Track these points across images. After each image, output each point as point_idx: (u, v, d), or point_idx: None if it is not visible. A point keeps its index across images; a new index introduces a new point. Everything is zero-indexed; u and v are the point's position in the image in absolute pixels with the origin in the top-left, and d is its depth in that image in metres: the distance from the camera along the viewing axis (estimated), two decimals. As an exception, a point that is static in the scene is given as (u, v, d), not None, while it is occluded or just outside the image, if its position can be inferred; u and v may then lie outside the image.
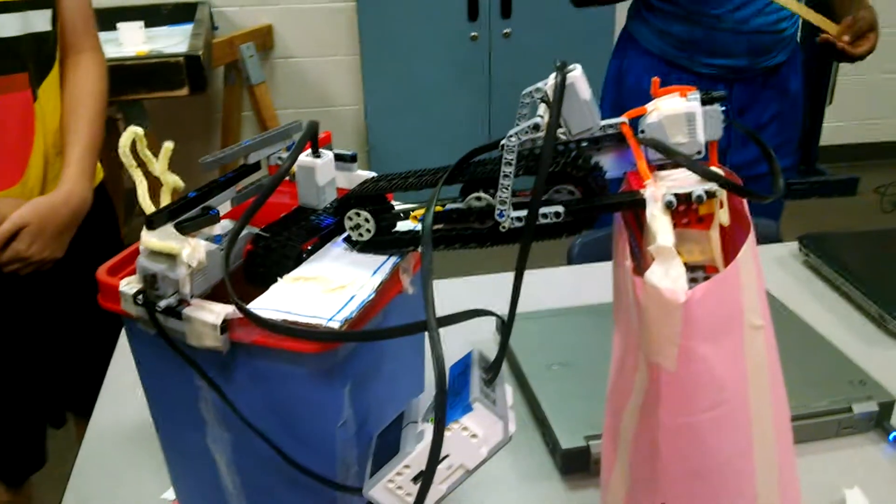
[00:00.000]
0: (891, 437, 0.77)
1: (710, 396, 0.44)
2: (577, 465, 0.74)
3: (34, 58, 1.12)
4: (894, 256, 1.08)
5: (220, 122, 2.98)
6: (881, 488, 0.71)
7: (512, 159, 0.48)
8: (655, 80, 0.54)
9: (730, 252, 0.49)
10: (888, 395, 0.79)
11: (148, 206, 0.52)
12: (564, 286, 1.09)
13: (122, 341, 0.99)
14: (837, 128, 3.67)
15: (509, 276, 0.48)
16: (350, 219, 0.59)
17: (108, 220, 1.32)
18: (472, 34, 3.05)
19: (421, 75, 3.10)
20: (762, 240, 0.48)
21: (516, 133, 0.48)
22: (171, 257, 0.52)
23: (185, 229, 0.53)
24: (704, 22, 1.45)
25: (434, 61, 3.08)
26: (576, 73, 0.48)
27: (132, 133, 0.53)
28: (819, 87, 3.39)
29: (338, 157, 0.65)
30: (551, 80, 0.48)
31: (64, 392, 1.36)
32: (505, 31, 3.05)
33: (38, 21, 1.12)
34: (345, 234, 0.60)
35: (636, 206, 0.48)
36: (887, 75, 3.62)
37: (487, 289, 1.03)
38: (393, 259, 0.59)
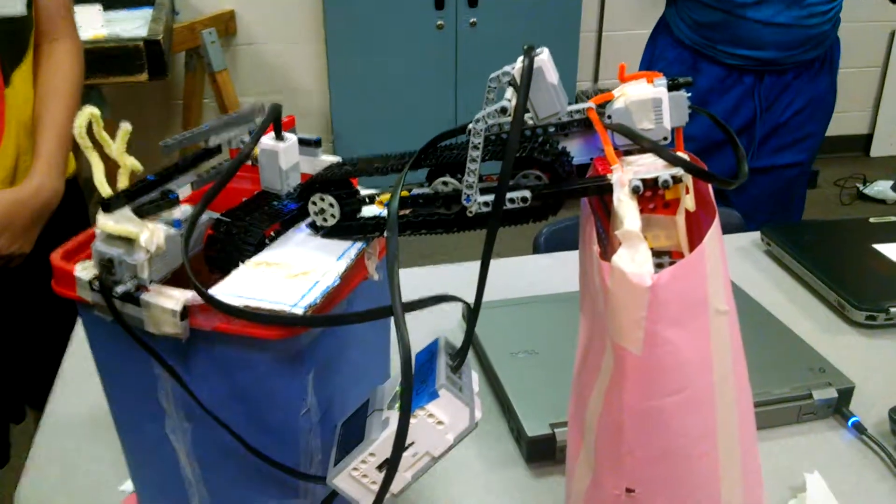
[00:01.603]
0: (850, 422, 0.78)
1: (676, 380, 0.44)
2: (542, 452, 0.74)
3: (6, 43, 1.08)
4: (854, 246, 1.10)
5: (181, 109, 2.93)
6: (840, 473, 0.73)
7: (479, 143, 0.47)
8: (622, 65, 0.54)
9: (695, 238, 0.49)
10: (847, 382, 0.80)
11: (104, 189, 0.51)
12: (530, 275, 1.09)
13: (79, 329, 0.97)
14: (797, 121, 3.74)
15: (475, 265, 0.47)
16: (314, 203, 0.57)
17: (79, 213, 1.27)
18: (439, 23, 3.03)
19: (387, 64, 3.08)
20: (725, 228, 0.49)
21: (483, 116, 0.47)
22: (129, 241, 0.50)
23: (143, 213, 0.52)
24: (731, 12, 1.45)
25: (400, 50, 3.06)
26: (543, 57, 0.48)
27: (88, 114, 0.51)
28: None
29: (302, 142, 0.64)
30: (519, 63, 0.48)
31: (22, 385, 1.32)
32: (471, 20, 3.04)
33: (13, 4, 1.08)
34: (308, 220, 0.59)
35: (603, 191, 0.48)
36: (848, 69, 3.69)
37: (454, 277, 1.02)
38: (358, 245, 0.58)
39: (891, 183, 3.42)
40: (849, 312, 0.97)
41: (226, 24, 2.91)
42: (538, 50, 0.48)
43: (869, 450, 0.76)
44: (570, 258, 1.17)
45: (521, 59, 0.48)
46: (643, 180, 0.46)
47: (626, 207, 0.45)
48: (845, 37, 1.45)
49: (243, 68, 3.10)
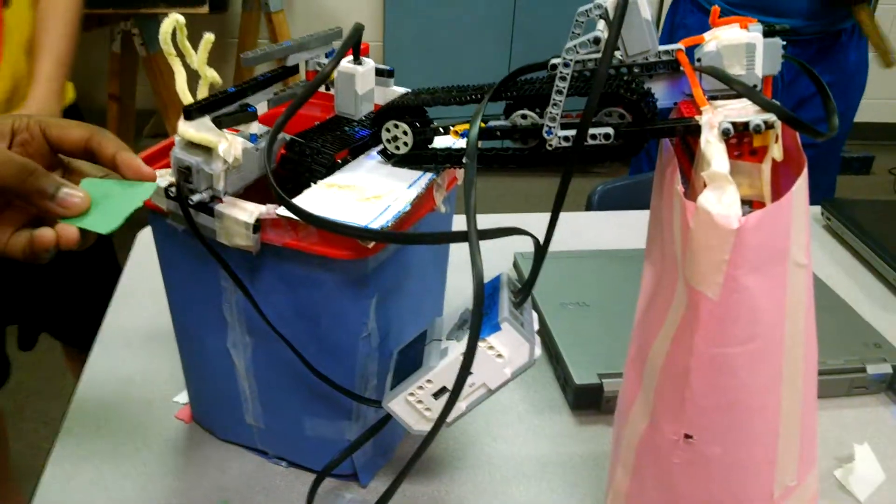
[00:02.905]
0: (902, 399, 0.77)
1: (748, 329, 0.44)
2: (588, 401, 0.75)
3: None
4: (915, 227, 1.07)
5: (236, 47, 2.93)
6: (888, 448, 0.72)
7: (567, 73, 0.47)
8: (716, 8, 0.52)
9: (778, 189, 0.48)
10: (903, 359, 0.79)
11: (186, 97, 0.51)
12: (583, 231, 1.08)
13: (137, 249, 0.99)
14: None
15: (537, 216, 0.47)
16: (388, 130, 0.57)
17: None
18: (499, -24, 2.98)
19: (443, 16, 3.04)
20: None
21: (574, 46, 0.46)
22: (207, 150, 0.51)
23: (222, 124, 0.52)
24: None
25: (458, 2, 3.02)
26: (639, -8, 0.47)
27: (174, 20, 0.51)
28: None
29: (377, 71, 0.64)
30: (612, -5, 0.46)
31: (41, 314, 1.33)
32: (532, -26, 2.98)
33: None
34: (380, 147, 0.59)
35: (690, 133, 0.47)
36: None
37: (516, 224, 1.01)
38: (428, 175, 0.58)
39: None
40: (908, 293, 0.94)
41: (285, -35, 2.89)
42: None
43: (920, 429, 0.75)
44: (622, 217, 1.16)
45: (615, -9, 0.46)
46: (733, 123, 0.45)
47: (715, 149, 0.44)
48: None
49: (300, 11, 3.08)
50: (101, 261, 1.32)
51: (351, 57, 0.58)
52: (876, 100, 3.67)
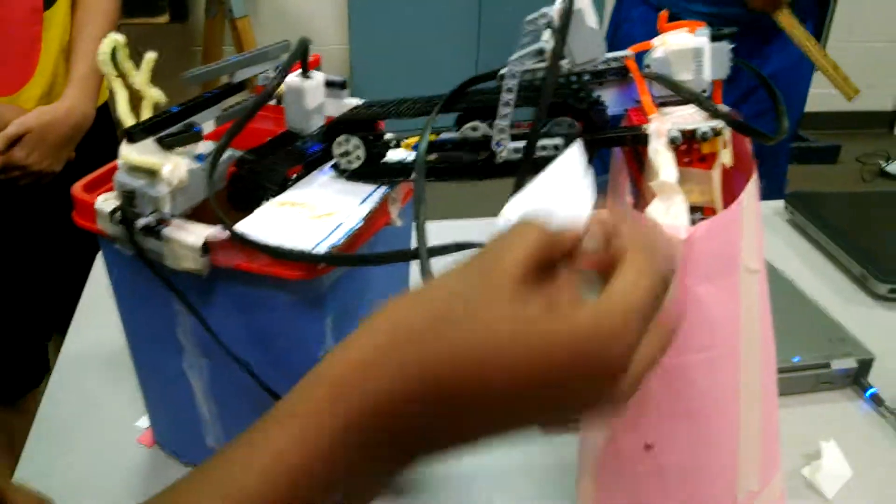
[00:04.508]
0: (867, 393, 0.78)
1: (703, 337, 0.44)
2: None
3: None
4: (877, 218, 1.08)
5: (201, 55, 2.90)
6: (855, 443, 0.72)
7: (513, 85, 0.46)
8: (663, 14, 0.52)
9: (729, 195, 0.47)
10: (867, 354, 0.79)
11: (127, 119, 0.50)
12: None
13: (98, 263, 0.97)
14: (822, 95, 3.66)
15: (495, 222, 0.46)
16: (339, 145, 0.56)
17: (109, 142, 1.30)
18: (463, -25, 2.98)
19: (409, 16, 3.03)
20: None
21: (519, 58, 0.46)
22: (152, 173, 0.50)
23: (166, 145, 0.51)
24: None
25: (423, 2, 3.01)
26: (584, 2, 0.46)
27: (112, 41, 0.50)
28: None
29: (327, 83, 0.63)
30: (558, 4, 0.46)
31: (48, 310, 1.34)
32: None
33: None
34: (332, 161, 0.58)
35: (638, 142, 0.46)
36: (875, 43, 3.61)
37: (472, 233, 1.01)
38: (382, 189, 0.57)
39: (915, 161, 3.36)
40: (871, 285, 0.95)
41: (248, -30, 2.86)
42: (578, -7, 0.47)
43: (885, 422, 0.75)
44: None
45: (559, 0, 0.46)
46: (682, 131, 0.45)
47: (663, 158, 0.44)
48: (872, 11, 1.39)
49: (265, 16, 3.06)
50: None
51: (300, 71, 0.57)
52: (840, 89, 3.72)
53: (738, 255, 0.43)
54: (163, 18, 2.02)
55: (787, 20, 1.37)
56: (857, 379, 0.79)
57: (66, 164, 1.16)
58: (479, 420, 0.30)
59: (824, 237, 1.05)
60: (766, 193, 0.58)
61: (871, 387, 0.78)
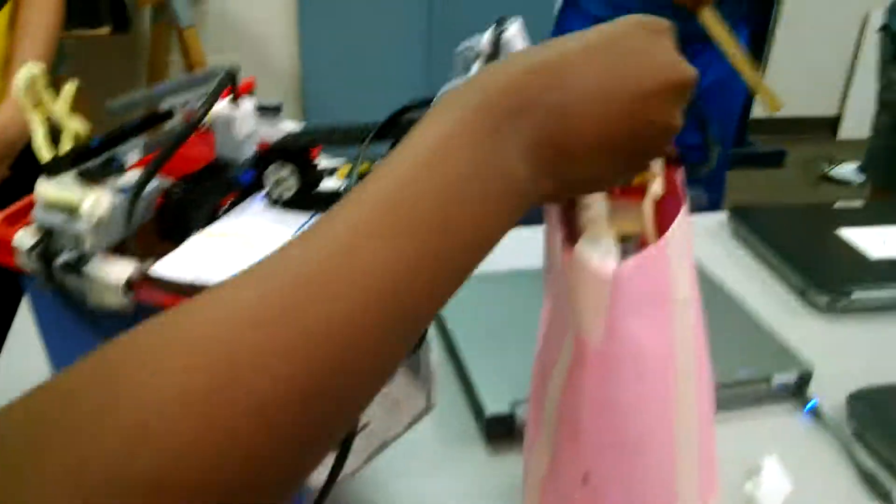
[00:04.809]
0: (807, 407, 0.79)
1: (636, 370, 0.43)
2: (501, 431, 0.74)
3: None
4: (818, 230, 1.11)
5: (146, 66, 2.84)
6: (796, 457, 0.73)
7: (443, 118, 0.45)
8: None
9: (664, 224, 0.47)
10: (806, 366, 0.81)
11: (45, 152, 0.48)
12: (500, 249, 1.07)
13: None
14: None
15: None
16: (272, 173, 0.55)
17: None
18: (414, -15, 2.98)
19: (360, 25, 3.02)
20: (692, 210, 0.48)
21: (452, 87, 0.45)
22: (71, 209, 0.48)
23: (89, 179, 0.49)
24: None
25: (374, 8, 3.00)
26: (512, 31, 0.46)
27: (28, 71, 0.48)
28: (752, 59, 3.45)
29: (261, 108, 0.61)
30: (486, 35, 0.46)
31: None
32: (448, -18, 2.99)
33: None
34: (265, 191, 0.57)
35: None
36: (819, 52, 3.71)
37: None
38: (317, 218, 0.56)
39: (856, 165, 3.46)
40: (811, 297, 0.97)
41: (194, -21, 2.82)
42: (509, 21, 0.46)
43: (826, 434, 0.76)
44: (538, 232, 1.15)
45: (488, 31, 0.46)
46: (611, 163, 0.44)
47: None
48: (817, 17, 1.42)
49: (212, 26, 3.01)
50: None
51: (228, 98, 0.55)
52: (786, 95, 3.82)
53: (668, 288, 0.43)
54: (104, 30, 1.97)
55: (709, 19, 1.37)
56: (798, 392, 0.80)
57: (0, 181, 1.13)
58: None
59: (765, 250, 1.06)
60: (708, 201, 0.59)
61: (811, 400, 0.79)
